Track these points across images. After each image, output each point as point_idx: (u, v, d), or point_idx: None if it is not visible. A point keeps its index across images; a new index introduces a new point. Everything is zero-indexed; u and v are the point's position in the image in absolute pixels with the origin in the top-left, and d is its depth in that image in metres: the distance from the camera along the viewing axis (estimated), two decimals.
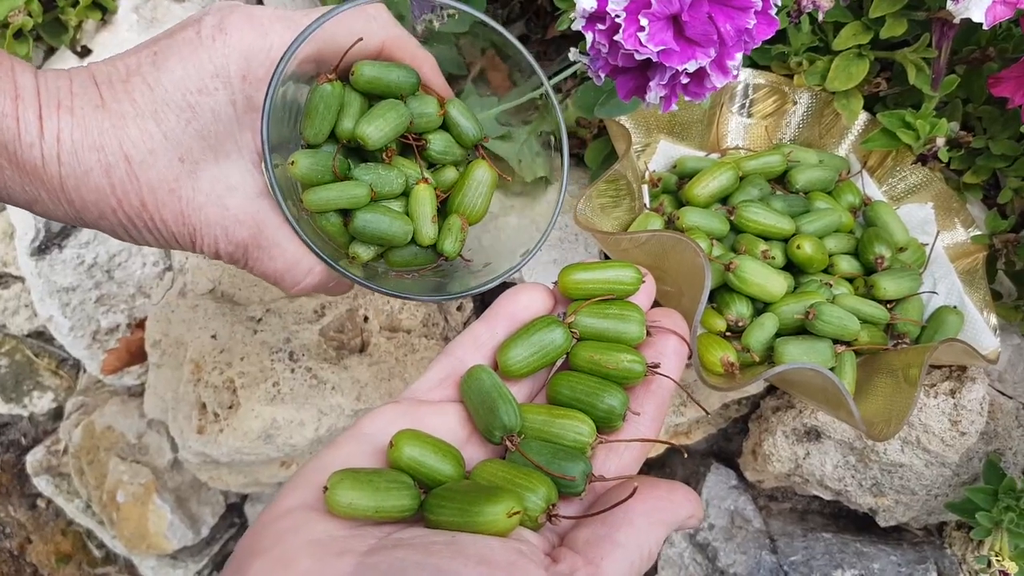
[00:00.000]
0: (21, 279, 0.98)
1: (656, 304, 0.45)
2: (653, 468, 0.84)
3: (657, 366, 0.35)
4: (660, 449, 0.77)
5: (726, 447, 0.80)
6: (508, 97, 0.58)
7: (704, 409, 0.40)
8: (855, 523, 0.77)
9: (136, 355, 0.84)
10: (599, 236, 0.57)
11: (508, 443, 0.33)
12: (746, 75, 0.68)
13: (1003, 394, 0.70)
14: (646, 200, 0.64)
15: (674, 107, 0.52)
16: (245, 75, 0.38)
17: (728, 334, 0.58)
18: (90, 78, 0.37)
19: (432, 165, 0.47)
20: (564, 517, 0.31)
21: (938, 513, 0.71)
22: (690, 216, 0.60)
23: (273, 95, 0.37)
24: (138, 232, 0.39)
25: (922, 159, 0.64)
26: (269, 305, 0.76)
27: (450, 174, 0.46)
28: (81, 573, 1.03)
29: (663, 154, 0.67)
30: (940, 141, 0.62)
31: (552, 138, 0.48)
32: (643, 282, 0.38)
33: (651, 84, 0.51)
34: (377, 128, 0.41)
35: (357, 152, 0.44)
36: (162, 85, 0.37)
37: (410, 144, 0.45)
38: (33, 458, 0.99)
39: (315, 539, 0.27)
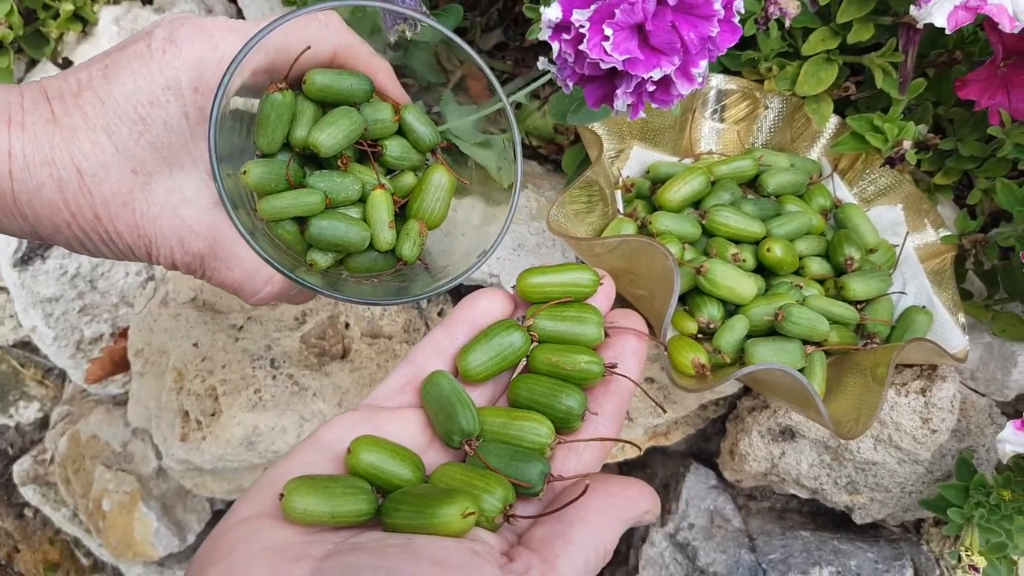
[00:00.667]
0: (5, 290, 0.99)
1: (628, 305, 0.45)
2: (634, 469, 0.85)
3: (615, 366, 0.36)
4: (639, 450, 0.78)
5: (705, 447, 0.81)
6: (486, 105, 0.59)
7: (662, 408, 0.41)
8: (833, 521, 0.78)
9: (119, 364, 0.85)
10: (571, 242, 0.58)
11: (466, 447, 0.34)
12: (717, 80, 0.69)
13: (975, 391, 0.71)
14: (619, 205, 0.65)
15: (642, 114, 0.53)
16: (197, 87, 0.38)
17: (699, 336, 0.59)
18: (42, 93, 0.37)
19: (390, 171, 0.47)
20: (520, 517, 0.31)
21: (914, 510, 0.72)
22: (662, 221, 0.61)
23: (220, 105, 0.38)
24: (93, 245, 0.39)
25: (890, 162, 0.65)
26: (250, 313, 0.77)
27: (408, 179, 0.47)
28: None
29: (636, 160, 0.68)
30: (907, 144, 0.63)
31: (512, 145, 0.49)
32: (601, 284, 0.38)
33: (618, 92, 0.52)
34: (329, 135, 0.42)
35: (314, 160, 0.45)
36: (113, 98, 0.37)
37: (366, 151, 0.45)
38: (20, 468, 1.00)
39: (271, 546, 0.28)
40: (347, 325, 0.76)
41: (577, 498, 0.30)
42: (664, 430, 0.75)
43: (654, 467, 0.83)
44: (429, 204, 0.46)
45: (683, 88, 0.52)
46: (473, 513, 0.29)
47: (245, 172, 0.41)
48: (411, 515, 0.29)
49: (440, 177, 0.46)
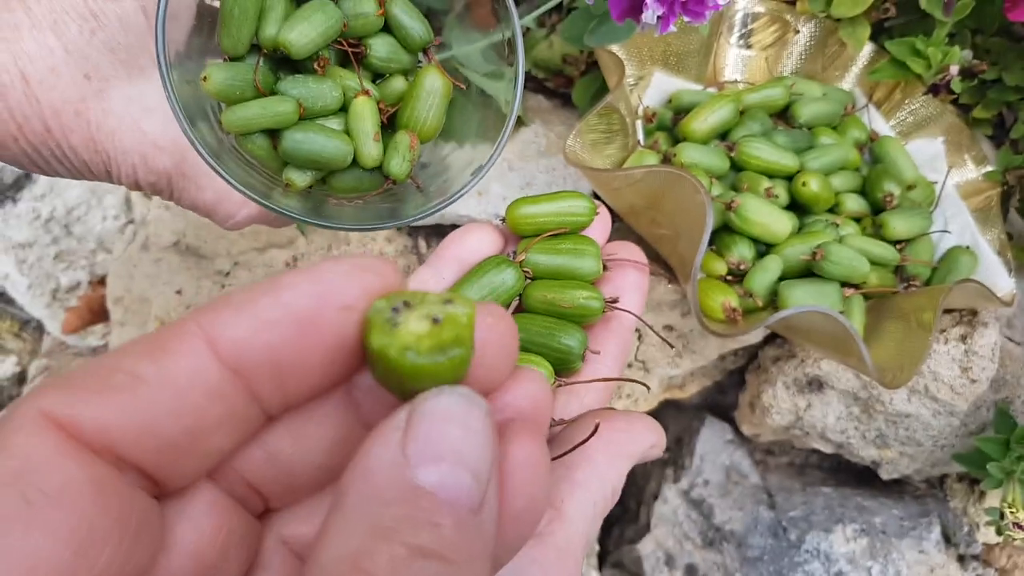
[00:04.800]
0: None
1: (646, 247, 0.40)
2: None
3: (616, 301, 0.33)
4: (653, 403, 0.74)
5: (721, 400, 0.77)
6: (493, 32, 0.54)
7: (669, 344, 0.37)
8: (855, 477, 0.74)
9: (98, 313, 0.79)
10: (590, 174, 0.53)
11: None
12: (745, 3, 0.64)
13: (1011, 340, 0.67)
14: (640, 137, 0.59)
15: (672, 28, 0.48)
16: None
17: (729, 278, 0.55)
18: None
19: (378, 76, 0.41)
20: None
21: (941, 465, 0.69)
22: (688, 152, 0.56)
23: None
24: (45, 162, 0.34)
25: (934, 90, 0.60)
26: (237, 258, 0.71)
27: (397, 84, 0.41)
28: None
29: (657, 88, 0.62)
30: (954, 69, 0.58)
31: (507, 46, 0.43)
32: (597, 213, 0.35)
33: (648, 1, 0.46)
34: (301, 33, 0.36)
35: (288, 64, 0.39)
36: None
37: (347, 51, 0.39)
38: None
39: None
40: None
41: (588, 439, 0.27)
42: (680, 382, 0.71)
43: (667, 421, 0.79)
44: (421, 113, 0.39)
45: None
46: None
47: (206, 78, 0.35)
48: None
49: (434, 81, 0.39)
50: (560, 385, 0.31)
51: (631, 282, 0.34)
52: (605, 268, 0.34)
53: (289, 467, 0.19)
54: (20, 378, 0.99)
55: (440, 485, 0.15)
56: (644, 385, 0.33)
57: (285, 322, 0.17)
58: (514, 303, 0.34)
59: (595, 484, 0.26)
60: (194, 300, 0.70)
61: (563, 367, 0.32)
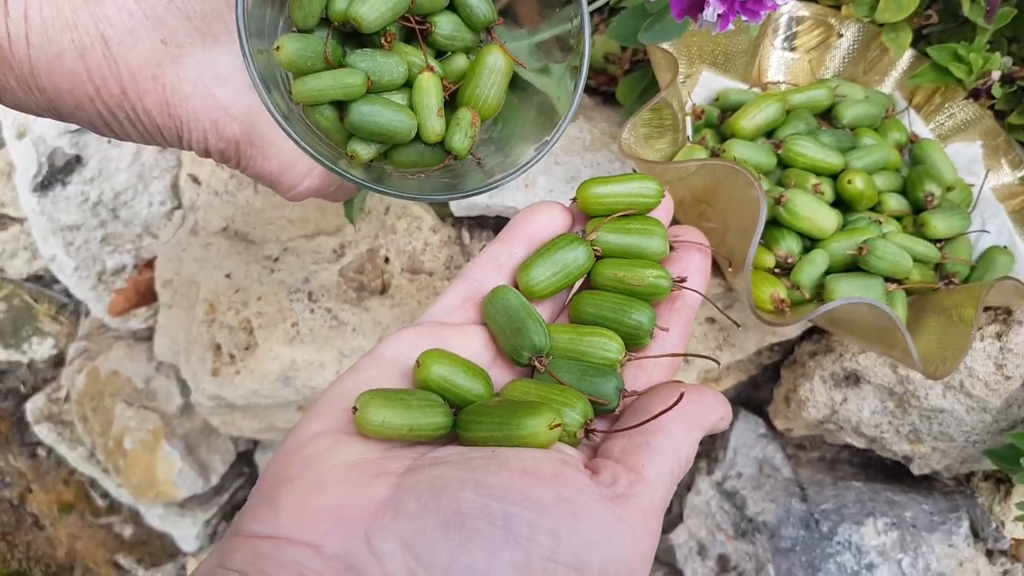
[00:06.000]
0: (20, 220, 0.95)
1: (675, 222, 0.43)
2: None
3: (683, 281, 0.34)
4: (718, 365, 0.75)
5: (755, 395, 0.78)
6: (539, 30, 0.55)
7: (735, 322, 0.39)
8: (884, 472, 0.76)
9: (145, 296, 0.81)
10: (644, 166, 0.55)
11: (536, 364, 0.32)
12: (789, 7, 0.66)
13: None
14: (689, 133, 0.61)
15: (731, 27, 0.50)
16: None
17: (776, 271, 0.56)
18: None
19: (440, 53, 0.42)
20: (603, 432, 0.30)
21: (971, 461, 0.70)
22: (737, 148, 0.58)
23: None
24: (119, 124, 0.35)
25: (975, 94, 0.61)
26: (286, 244, 0.73)
27: (460, 62, 0.41)
28: (84, 523, 1.01)
29: (704, 86, 0.64)
30: (995, 75, 0.60)
31: (556, 41, 0.44)
32: (664, 195, 0.36)
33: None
34: (372, 7, 0.37)
35: (355, 38, 0.40)
36: None
37: (413, 28, 0.40)
38: (33, 406, 0.97)
39: (348, 462, 0.26)
40: (387, 259, 0.73)
41: (671, 408, 0.28)
42: (716, 376, 0.72)
43: None
44: (483, 90, 0.40)
45: None
46: (559, 425, 0.27)
47: (279, 48, 0.36)
48: (494, 427, 0.28)
49: (496, 59, 0.40)
50: (630, 359, 0.33)
51: (695, 264, 0.35)
52: (671, 249, 0.35)
53: None
54: (57, 360, 1.01)
55: None
56: (715, 361, 0.34)
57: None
58: (579, 281, 0.36)
59: (671, 451, 0.28)
60: (243, 284, 0.72)
61: (633, 342, 0.33)
